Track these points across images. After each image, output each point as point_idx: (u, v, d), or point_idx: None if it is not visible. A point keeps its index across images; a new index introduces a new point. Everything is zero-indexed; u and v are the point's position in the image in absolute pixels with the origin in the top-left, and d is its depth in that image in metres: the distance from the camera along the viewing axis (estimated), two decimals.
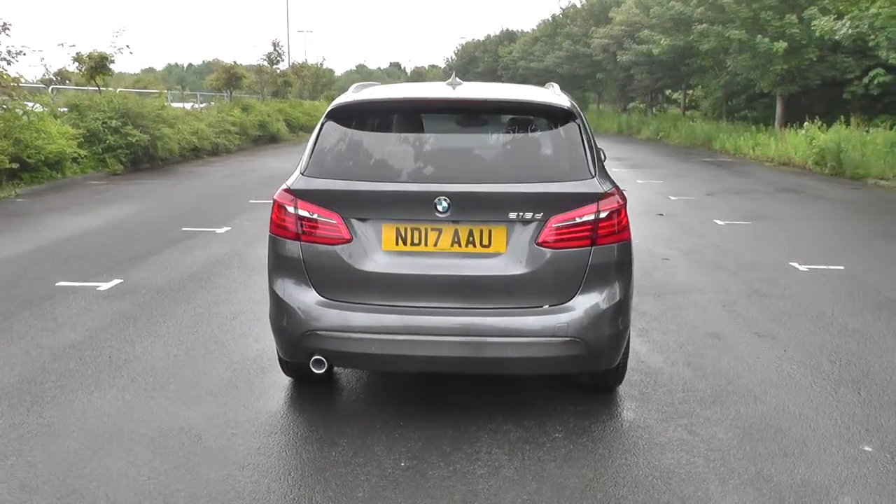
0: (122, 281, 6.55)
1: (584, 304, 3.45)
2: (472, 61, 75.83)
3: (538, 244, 3.42)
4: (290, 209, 3.55)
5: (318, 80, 48.26)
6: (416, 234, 3.45)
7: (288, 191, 3.60)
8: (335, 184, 3.52)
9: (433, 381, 4.24)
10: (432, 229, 3.44)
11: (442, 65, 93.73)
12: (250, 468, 3.30)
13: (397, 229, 3.46)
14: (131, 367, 4.52)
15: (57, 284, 6.43)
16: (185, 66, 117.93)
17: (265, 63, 32.48)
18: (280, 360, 4.13)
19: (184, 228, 9.20)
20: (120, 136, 15.77)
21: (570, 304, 3.45)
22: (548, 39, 54.55)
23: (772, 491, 3.13)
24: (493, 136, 3.73)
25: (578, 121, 3.68)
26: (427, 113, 3.89)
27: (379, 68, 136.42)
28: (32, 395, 4.09)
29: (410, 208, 3.45)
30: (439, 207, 3.36)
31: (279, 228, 3.63)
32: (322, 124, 3.74)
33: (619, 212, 3.52)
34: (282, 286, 3.63)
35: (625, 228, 3.55)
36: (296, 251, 3.55)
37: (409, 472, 3.24)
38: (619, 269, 3.56)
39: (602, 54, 41.68)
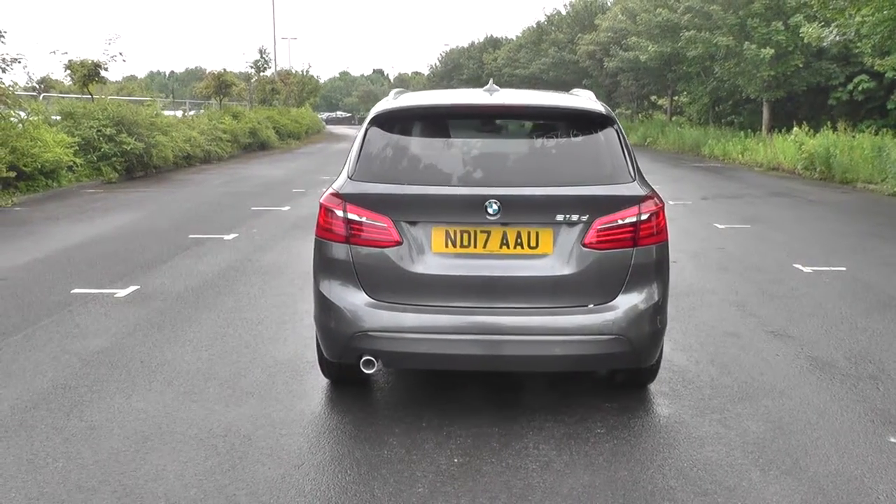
0: (138, 288, 6.58)
1: (627, 303, 3.57)
2: (456, 68, 76.11)
3: (584, 245, 3.53)
4: (339, 213, 3.63)
5: (304, 88, 48.31)
6: (465, 236, 3.55)
7: (336, 195, 3.68)
8: (385, 188, 3.62)
9: (468, 382, 4.34)
10: (481, 231, 3.54)
11: (426, 72, 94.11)
12: (306, 467, 3.37)
13: (447, 232, 3.56)
14: (165, 371, 4.57)
15: (72, 292, 6.45)
16: (168, 73, 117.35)
17: (252, 70, 32.51)
18: (321, 361, 4.20)
19: (191, 236, 9.22)
20: (115, 144, 15.75)
21: (613, 303, 3.57)
22: (533, 46, 54.97)
23: (810, 481, 3.26)
24: (536, 141, 3.84)
25: (616, 126, 3.80)
26: (469, 118, 3.99)
27: (362, 75, 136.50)
28: (70, 400, 4.13)
29: (461, 211, 3.55)
30: (490, 210, 3.46)
31: (326, 232, 3.71)
32: (366, 130, 3.83)
33: (658, 214, 3.64)
34: (329, 288, 3.71)
35: (663, 230, 3.68)
36: (345, 254, 3.63)
37: (463, 468, 3.33)
38: (658, 269, 3.68)
39: (588, 61, 42.10)
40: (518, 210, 3.52)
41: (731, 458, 3.47)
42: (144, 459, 3.44)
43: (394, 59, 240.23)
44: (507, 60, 59.63)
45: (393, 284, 3.59)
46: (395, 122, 3.87)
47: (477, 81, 68.74)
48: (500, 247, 3.55)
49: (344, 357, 3.74)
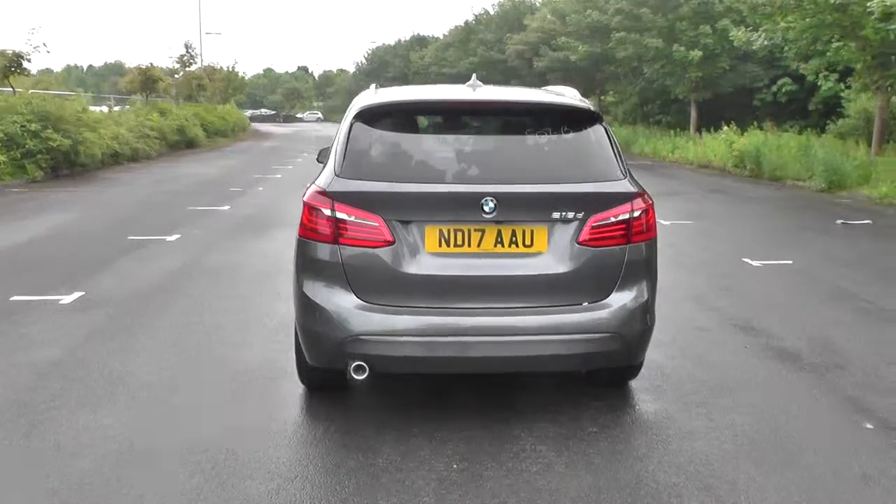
0: (83, 294, 6.20)
1: (621, 300, 3.56)
2: (382, 65, 75.75)
3: (579, 243, 3.49)
4: (326, 212, 3.47)
5: (230, 84, 47.12)
6: (459, 235, 3.45)
7: (323, 193, 3.51)
8: (376, 185, 3.48)
9: (449, 383, 4.24)
10: (475, 230, 3.45)
11: (351, 69, 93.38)
12: (300, 479, 3.21)
13: (440, 231, 3.45)
14: (128, 383, 4.29)
15: (12, 299, 6.02)
16: (85, 67, 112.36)
17: (178, 65, 31.45)
18: (300, 367, 4.03)
19: (130, 237, 8.78)
20: (40, 141, 14.89)
21: (607, 300, 3.54)
22: (460, 45, 55.19)
23: (806, 471, 3.31)
24: (528, 138, 3.76)
25: (604, 124, 3.78)
26: (458, 114, 3.89)
27: (287, 72, 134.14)
28: (28, 419, 3.81)
29: (456, 209, 3.45)
30: (486, 208, 3.37)
31: (311, 232, 3.54)
32: (351, 125, 3.68)
33: (648, 211, 3.64)
34: (316, 290, 3.54)
35: (652, 227, 3.68)
36: (333, 255, 3.47)
37: (465, 474, 3.23)
38: (648, 266, 3.68)
39: (517, 60, 42.52)
40: (514, 208, 3.44)
41: (724, 451, 3.49)
42: (121, 481, 3.19)
43: (318, 56, 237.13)
44: (435, 59, 59.73)
45: (385, 286, 3.46)
46: (381, 117, 3.73)
47: (404, 80, 68.44)
48: (495, 245, 3.47)
49: (333, 363, 3.58)
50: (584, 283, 3.52)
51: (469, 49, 52.27)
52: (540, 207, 3.49)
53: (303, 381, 4.14)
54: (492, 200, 3.37)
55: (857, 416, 3.91)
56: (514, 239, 3.47)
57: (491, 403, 4.03)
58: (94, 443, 3.54)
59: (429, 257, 3.46)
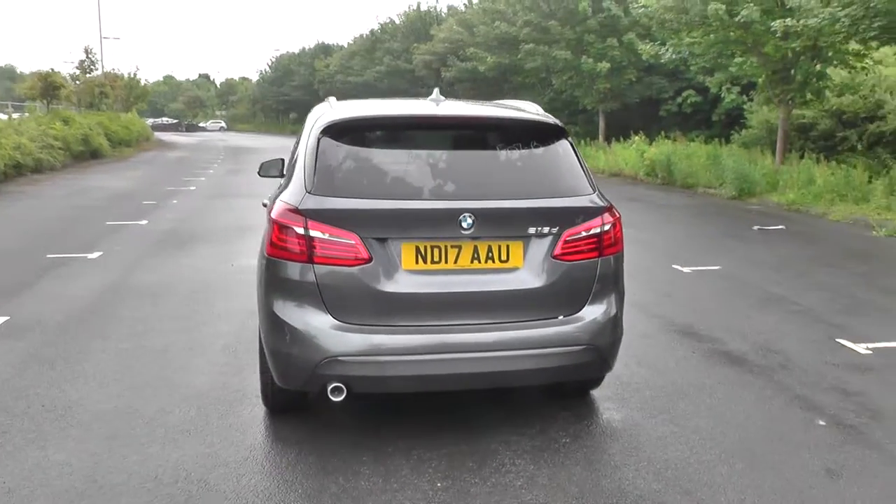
0: (8, 318, 5.80)
1: (594, 313, 3.63)
2: (287, 74, 74.65)
3: (553, 257, 3.54)
4: (299, 230, 3.38)
5: (132, 92, 45.29)
6: (436, 251, 3.43)
7: (294, 211, 3.41)
8: (352, 202, 3.41)
9: (414, 401, 4.20)
10: (452, 246, 3.44)
11: (255, 77, 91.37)
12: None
13: (417, 247, 3.42)
14: (77, 414, 4.04)
15: None
16: None
17: (78, 71, 29.94)
18: (264, 390, 3.91)
19: (49, 255, 8.29)
20: None
21: (581, 313, 3.61)
22: (366, 54, 55.06)
23: (774, 469, 3.47)
24: (499, 153, 3.76)
25: (569, 138, 3.85)
26: (423, 130, 3.87)
27: (188, 79, 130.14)
28: None
29: (433, 226, 3.42)
30: (464, 224, 3.37)
31: (281, 251, 3.44)
32: (318, 140, 3.61)
33: (615, 224, 3.73)
34: (287, 311, 3.43)
35: (620, 240, 3.77)
36: (306, 274, 3.38)
37: (451, 493, 3.21)
38: (616, 278, 3.77)
39: (424, 70, 42.76)
40: (491, 223, 3.45)
41: (696, 455, 3.62)
42: None
43: (220, 63, 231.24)
44: (340, 68, 59.33)
45: (362, 305, 3.39)
46: (349, 132, 3.67)
47: (308, 88, 67.67)
48: (472, 261, 3.47)
49: (307, 385, 3.48)
50: (559, 297, 3.57)
51: (375, 58, 52.22)
52: (516, 223, 3.52)
53: (266, 404, 4.01)
54: (470, 216, 3.38)
55: (809, 413, 4.14)
56: (490, 254, 3.48)
57: (459, 418, 4.02)
58: (50, 483, 3.30)
59: (406, 275, 3.42)
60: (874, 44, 13.76)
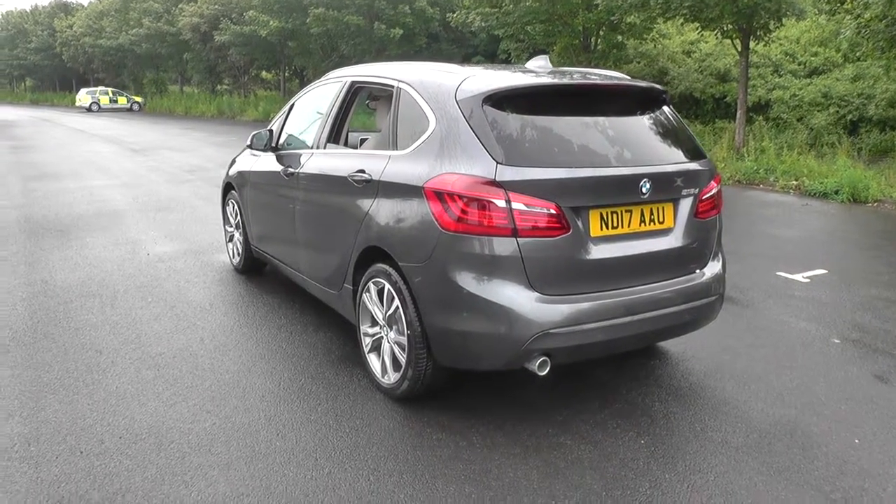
0: None
1: (716, 266, 3.96)
2: (21, 34, 65.51)
3: (695, 216, 3.79)
4: (499, 202, 3.22)
5: None
6: (614, 217, 3.50)
7: (491, 183, 3.23)
8: (550, 172, 3.32)
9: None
10: (626, 211, 3.53)
11: None
12: (407, 472, 2.94)
13: (601, 214, 3.46)
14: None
15: None
16: None
17: None
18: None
19: None
20: None
21: (708, 267, 3.91)
22: (119, 14, 50.02)
23: (824, 377, 3.96)
24: (641, 119, 3.86)
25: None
26: (570, 98, 3.75)
27: None
28: None
29: (619, 192, 3.48)
30: (643, 189, 3.48)
31: (476, 226, 3.26)
32: (482, 109, 3.43)
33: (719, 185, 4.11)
34: (492, 290, 3.27)
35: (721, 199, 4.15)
36: (510, 248, 3.25)
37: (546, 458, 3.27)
38: (721, 232, 4.15)
39: (191, 34, 39.90)
40: (661, 187, 3.58)
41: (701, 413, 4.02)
42: None
43: None
44: (88, 29, 53.24)
45: (561, 275, 3.34)
46: (511, 101, 3.49)
47: (49, 52, 60.05)
48: (640, 224, 3.60)
49: (510, 364, 3.36)
50: (698, 253, 3.84)
51: (131, 19, 47.55)
52: (675, 185, 3.70)
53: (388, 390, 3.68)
54: (648, 181, 3.50)
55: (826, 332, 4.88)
56: (652, 217, 3.63)
57: (514, 401, 4.03)
58: None
59: (595, 241, 3.45)
60: (660, 20, 15.43)
